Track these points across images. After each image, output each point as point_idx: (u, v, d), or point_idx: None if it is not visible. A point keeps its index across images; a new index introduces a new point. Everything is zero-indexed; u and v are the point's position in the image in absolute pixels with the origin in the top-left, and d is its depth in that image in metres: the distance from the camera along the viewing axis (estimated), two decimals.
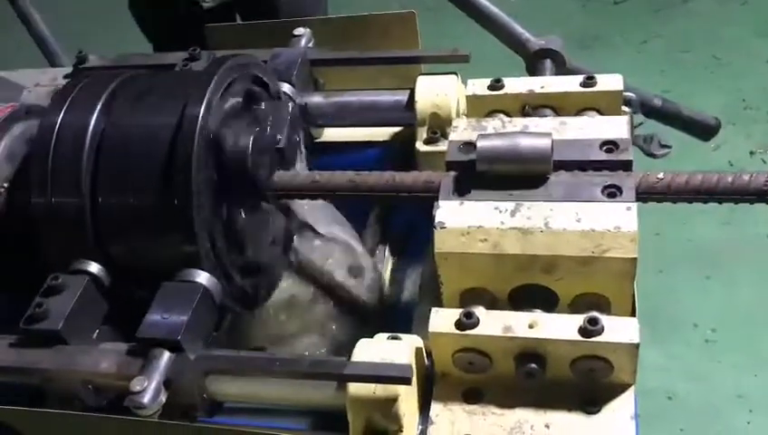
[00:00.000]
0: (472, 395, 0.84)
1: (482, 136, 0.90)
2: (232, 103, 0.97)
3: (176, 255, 0.89)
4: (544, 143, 0.87)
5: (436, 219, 0.87)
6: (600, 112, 1.07)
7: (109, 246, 0.92)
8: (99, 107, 0.95)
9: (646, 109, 1.29)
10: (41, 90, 1.34)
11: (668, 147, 1.81)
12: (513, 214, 0.85)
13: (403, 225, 1.28)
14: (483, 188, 0.88)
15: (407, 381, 0.77)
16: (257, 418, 0.94)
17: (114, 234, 0.92)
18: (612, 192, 0.85)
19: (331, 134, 1.27)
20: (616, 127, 0.93)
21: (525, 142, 0.87)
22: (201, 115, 0.89)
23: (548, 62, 1.21)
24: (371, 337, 0.90)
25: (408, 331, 0.97)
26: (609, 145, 0.90)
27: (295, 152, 1.04)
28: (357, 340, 1.18)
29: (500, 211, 0.86)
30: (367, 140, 1.28)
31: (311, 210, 1.08)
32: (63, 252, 0.92)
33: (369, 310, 1.20)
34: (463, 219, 0.86)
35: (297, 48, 1.19)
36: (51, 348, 0.84)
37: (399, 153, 1.25)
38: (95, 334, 0.89)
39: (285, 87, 1.11)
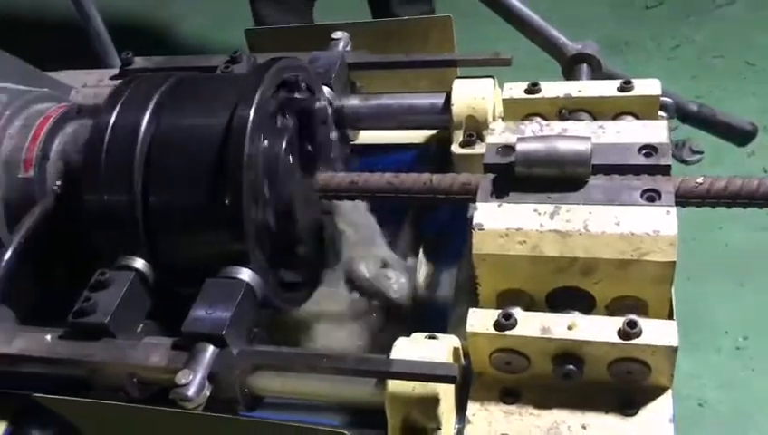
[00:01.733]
0: (509, 395, 0.85)
1: (521, 139, 0.90)
2: (277, 104, 0.99)
3: (223, 252, 0.91)
4: (584, 147, 0.88)
5: (475, 221, 0.88)
6: (637, 117, 1.08)
7: (157, 243, 0.95)
8: (150, 107, 0.97)
9: (681, 114, 1.29)
10: (88, 90, 1.37)
11: (700, 153, 1.80)
12: (551, 216, 0.86)
13: (436, 227, 1.29)
14: (521, 191, 0.89)
15: (453, 381, 0.78)
16: (293, 413, 0.96)
17: (163, 231, 0.94)
18: (651, 196, 0.86)
19: (366, 137, 1.29)
20: (655, 131, 0.93)
21: (565, 146, 0.88)
22: (251, 117, 0.91)
23: (584, 67, 1.22)
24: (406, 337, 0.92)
25: (441, 332, 0.98)
26: (648, 149, 0.91)
27: (337, 155, 1.06)
28: (389, 340, 1.21)
29: (539, 213, 0.87)
30: (401, 142, 1.30)
31: (349, 211, 1.10)
32: (113, 248, 0.95)
33: (403, 310, 1.21)
34: (501, 221, 0.87)
35: (336, 51, 1.21)
36: (99, 341, 0.87)
37: (434, 156, 1.27)
38: (139, 329, 0.91)
39: (324, 90, 1.13)
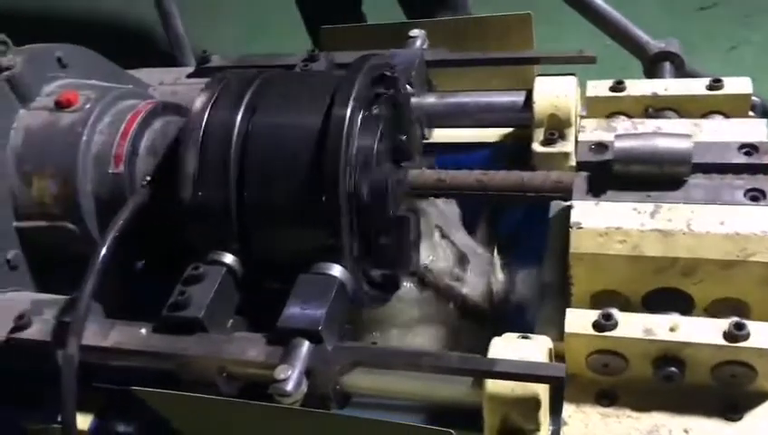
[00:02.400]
0: (605, 397, 0.84)
1: (619, 136, 0.89)
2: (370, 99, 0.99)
3: (317, 248, 0.91)
4: (685, 145, 0.86)
5: (572, 219, 0.86)
6: (726, 116, 1.05)
7: (249, 239, 0.95)
8: (244, 105, 0.97)
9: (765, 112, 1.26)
10: (165, 88, 1.38)
11: None
12: (652, 215, 0.84)
13: (511, 227, 1.28)
14: (618, 189, 0.88)
15: (560, 381, 0.77)
16: (381, 413, 0.96)
17: (257, 227, 0.95)
18: (755, 196, 0.84)
19: (438, 135, 1.28)
20: (754, 129, 0.91)
21: (664, 143, 0.86)
22: (348, 116, 0.91)
23: (667, 65, 1.20)
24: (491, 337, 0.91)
25: (523, 331, 0.97)
26: (748, 148, 0.89)
27: (419, 151, 1.06)
28: (467, 340, 1.20)
29: (639, 212, 0.85)
30: (476, 141, 1.28)
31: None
32: (206, 243, 0.95)
33: (480, 311, 1.20)
34: (600, 220, 0.85)
35: (414, 49, 1.20)
36: (194, 335, 0.87)
37: (509, 155, 1.25)
38: (229, 324, 0.92)
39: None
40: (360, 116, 0.94)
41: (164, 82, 1.41)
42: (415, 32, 1.24)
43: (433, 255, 1.16)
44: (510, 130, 1.25)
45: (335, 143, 0.89)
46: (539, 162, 1.14)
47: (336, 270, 0.89)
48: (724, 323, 0.78)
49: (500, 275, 1.24)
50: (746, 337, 0.77)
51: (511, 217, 1.29)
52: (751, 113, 1.14)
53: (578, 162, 0.93)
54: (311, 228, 0.91)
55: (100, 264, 0.93)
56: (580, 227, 0.85)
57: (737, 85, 1.05)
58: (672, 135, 0.88)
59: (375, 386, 0.88)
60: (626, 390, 0.83)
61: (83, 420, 0.99)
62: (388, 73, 1.02)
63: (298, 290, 0.87)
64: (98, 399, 1.01)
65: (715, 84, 1.05)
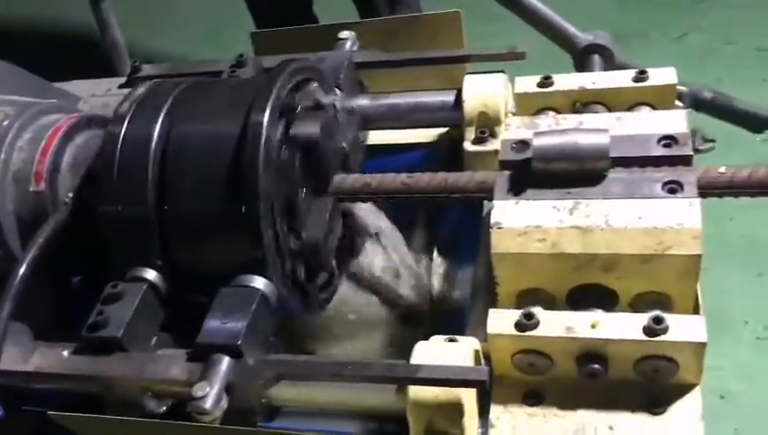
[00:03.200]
0: (532, 397, 0.83)
1: (538, 134, 0.88)
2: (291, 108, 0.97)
3: (240, 260, 0.89)
4: (603, 139, 0.85)
5: (492, 220, 0.86)
6: (653, 107, 1.05)
7: (171, 253, 0.93)
8: (162, 115, 0.96)
9: (695, 102, 1.26)
10: (96, 100, 1.36)
11: (712, 141, 1.77)
12: (571, 212, 0.84)
13: (450, 226, 1.27)
14: (539, 187, 0.87)
15: (483, 385, 0.76)
16: (314, 421, 0.95)
17: (178, 240, 0.93)
18: (673, 188, 0.84)
19: (374, 137, 1.27)
20: (674, 121, 0.91)
21: (583, 139, 0.86)
22: (266, 121, 0.89)
23: (596, 58, 1.19)
24: (424, 340, 0.90)
25: (460, 333, 0.96)
26: (668, 140, 0.88)
27: (358, 159, 1.05)
28: (407, 343, 1.19)
29: (558, 210, 0.85)
30: (411, 142, 1.28)
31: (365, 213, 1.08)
32: (128, 259, 0.93)
33: (419, 313, 1.19)
34: (519, 219, 0.85)
35: (343, 52, 1.19)
36: (112, 355, 0.85)
37: (444, 155, 1.25)
38: (153, 341, 0.90)
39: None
40: (282, 123, 0.93)
41: (95, 93, 1.39)
42: (344, 33, 1.22)
43: (372, 259, 1.15)
44: (445, 129, 1.24)
45: (252, 150, 0.88)
46: (471, 161, 1.13)
47: (258, 282, 0.87)
48: (644, 318, 0.78)
49: (438, 277, 1.24)
50: (665, 331, 0.77)
51: (450, 218, 1.28)
52: (679, 103, 1.15)
53: (500, 161, 0.92)
54: (232, 240, 0.89)
55: (17, 285, 0.91)
56: (500, 227, 0.85)
57: (662, 76, 1.05)
58: (590, 130, 0.87)
59: (302, 397, 0.87)
60: (553, 388, 0.83)
61: None
62: (310, 77, 1.01)
63: (218, 304, 0.85)
64: (27, 423, 0.99)
65: (641, 76, 1.05)
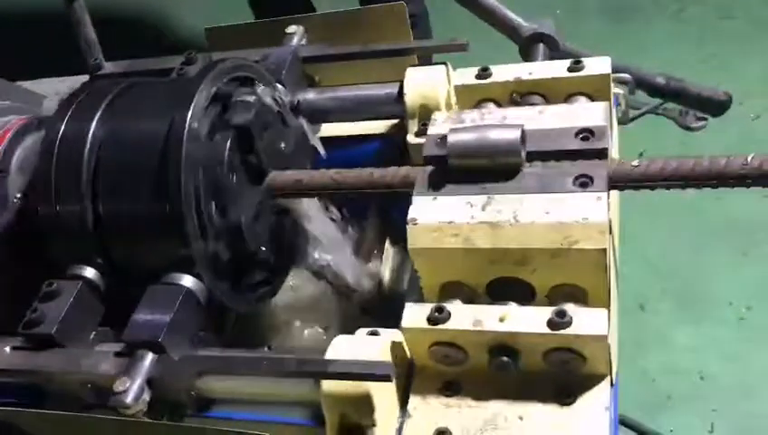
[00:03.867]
0: (449, 388, 0.85)
1: (453, 130, 0.90)
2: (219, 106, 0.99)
3: (171, 257, 0.92)
4: (513, 135, 0.86)
5: (409, 216, 0.88)
6: (591, 97, 1.06)
7: (109, 251, 0.97)
8: (98, 116, 0.99)
9: (649, 88, 1.26)
10: (60, 98, 1.39)
11: (705, 119, 1.76)
12: (483, 208, 0.85)
13: (404, 215, 1.29)
14: (456, 183, 0.89)
15: (388, 379, 0.79)
16: (250, 409, 0.98)
17: (114, 239, 0.96)
18: (584, 182, 0.84)
19: (330, 129, 1.29)
20: (592, 114, 0.92)
21: (494, 135, 0.87)
22: (189, 118, 0.92)
23: (541, 47, 1.19)
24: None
25: None
26: (585, 133, 0.89)
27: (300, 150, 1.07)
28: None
29: (471, 205, 0.86)
30: (365, 133, 1.29)
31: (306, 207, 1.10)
32: (67, 257, 0.97)
33: (370, 302, 1.22)
34: (435, 215, 0.86)
35: (288, 46, 1.21)
36: (47, 351, 0.89)
37: (399, 145, 1.26)
38: (92, 336, 0.93)
39: (278, 87, 1.13)
40: (210, 120, 0.95)
41: (59, 92, 1.42)
42: (291, 28, 1.24)
43: (323, 251, 1.18)
44: (397, 121, 1.25)
45: (175, 146, 0.90)
46: (414, 153, 1.14)
47: (185, 280, 0.90)
48: (549, 312, 0.80)
49: (389, 266, 1.26)
50: (568, 324, 0.79)
51: (403, 206, 1.29)
52: (619, 90, 1.15)
53: (423, 156, 0.93)
54: (161, 238, 0.92)
55: None
56: (416, 223, 0.86)
57: (597, 66, 1.05)
58: (502, 126, 0.88)
59: (230, 389, 0.90)
60: (468, 379, 0.85)
61: None
62: (247, 75, 1.03)
63: (146, 300, 0.89)
64: None
65: (575, 66, 1.05)
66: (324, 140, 1.28)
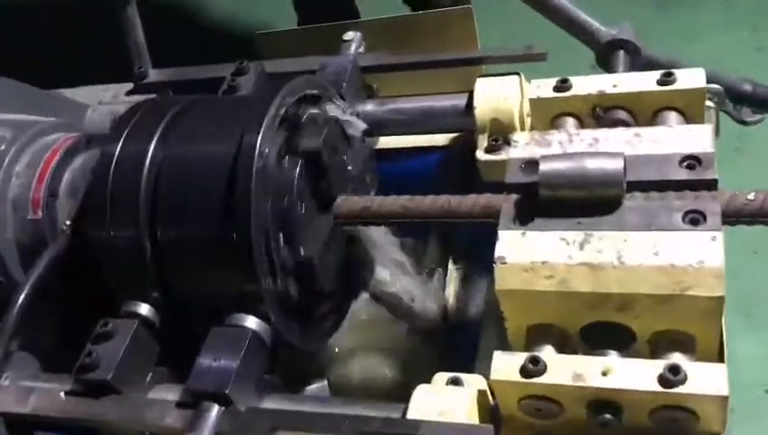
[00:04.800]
0: None
1: (544, 158, 0.81)
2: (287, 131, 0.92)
3: (236, 293, 0.86)
4: (615, 165, 0.78)
5: (496, 253, 0.79)
6: (681, 112, 0.97)
7: (167, 284, 0.90)
8: (157, 136, 0.92)
9: (734, 96, 1.16)
10: (103, 108, 1.33)
11: (761, 113, 1.65)
12: (581, 246, 0.77)
13: (468, 235, 1.21)
14: (547, 216, 0.80)
15: None
16: None
17: (172, 271, 0.90)
18: (695, 218, 0.76)
19: (388, 140, 1.21)
20: (698, 138, 0.83)
21: (594, 164, 0.79)
22: (259, 143, 0.85)
23: (621, 53, 1.10)
24: (435, 357, 0.84)
25: (474, 349, 0.91)
26: (691, 160, 0.80)
27: (366, 188, 1.00)
28: (421, 359, 1.15)
29: (567, 243, 0.78)
30: (428, 145, 1.21)
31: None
32: (123, 288, 0.91)
33: (433, 328, 1.15)
34: (525, 253, 0.78)
35: (346, 55, 1.13)
36: (105, 398, 0.83)
37: (462, 158, 1.18)
38: (148, 378, 0.87)
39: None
40: (278, 145, 0.88)
41: (102, 100, 1.36)
42: (349, 35, 1.16)
43: (385, 274, 1.10)
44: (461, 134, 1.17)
45: (244, 173, 0.83)
46: (485, 171, 1.07)
47: (250, 321, 0.83)
48: (659, 366, 0.72)
49: (453, 289, 1.19)
50: (682, 381, 0.70)
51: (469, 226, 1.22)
52: (710, 103, 1.06)
53: (506, 184, 0.85)
54: (225, 269, 0.85)
55: (14, 317, 0.89)
56: (504, 263, 0.78)
57: (690, 79, 0.95)
58: (602, 154, 0.80)
59: None
60: (563, 432, 0.78)
61: None
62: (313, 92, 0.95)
63: (209, 345, 0.82)
64: None
65: (666, 79, 0.96)
66: (383, 151, 1.20)
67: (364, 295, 1.10)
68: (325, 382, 1.05)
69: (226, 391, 0.77)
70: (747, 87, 1.16)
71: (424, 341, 1.14)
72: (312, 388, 1.04)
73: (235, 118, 0.92)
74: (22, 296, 0.91)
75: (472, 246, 1.19)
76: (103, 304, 1.03)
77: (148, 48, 1.31)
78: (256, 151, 0.85)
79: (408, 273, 1.10)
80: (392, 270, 1.10)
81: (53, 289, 0.98)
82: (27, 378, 0.94)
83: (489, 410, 0.81)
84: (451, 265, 1.20)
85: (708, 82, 1.10)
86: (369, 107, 1.13)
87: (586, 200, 0.79)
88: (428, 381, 0.85)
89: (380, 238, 1.04)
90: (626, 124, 0.98)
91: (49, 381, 0.92)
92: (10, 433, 0.94)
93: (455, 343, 1.13)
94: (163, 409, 0.81)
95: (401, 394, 0.81)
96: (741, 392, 1.87)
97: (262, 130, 0.86)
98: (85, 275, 0.98)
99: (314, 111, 0.94)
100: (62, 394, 0.86)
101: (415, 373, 1.08)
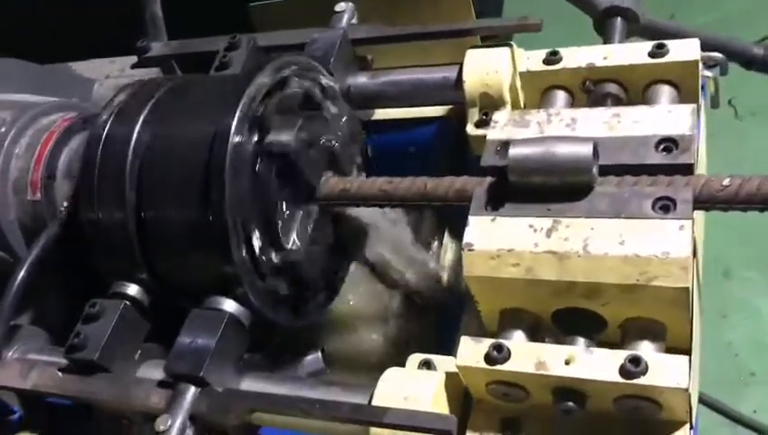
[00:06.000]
0: (509, 426, 0.79)
1: (515, 142, 0.80)
2: (280, 106, 0.92)
3: (213, 273, 0.88)
4: (585, 151, 0.76)
5: (464, 240, 0.79)
6: (675, 85, 0.93)
7: (152, 264, 0.93)
8: (142, 118, 0.94)
9: (744, 60, 1.11)
10: (110, 82, 1.36)
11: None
12: (548, 234, 0.76)
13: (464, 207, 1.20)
14: (518, 201, 0.80)
15: (448, 434, 0.73)
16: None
17: (157, 249, 0.92)
18: (665, 205, 0.74)
19: (383, 111, 1.20)
20: (677, 119, 0.80)
21: (563, 150, 0.77)
22: (234, 126, 0.86)
23: (618, 21, 1.06)
24: (430, 328, 0.84)
25: None
26: (668, 143, 0.78)
27: (350, 160, 0.99)
28: (416, 331, 1.16)
29: (534, 230, 0.77)
30: (424, 116, 1.20)
31: None
32: (112, 269, 0.94)
33: (428, 299, 1.15)
34: (493, 240, 0.78)
35: (337, 29, 1.11)
36: (95, 376, 0.87)
37: (456, 130, 1.16)
38: (137, 355, 0.91)
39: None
40: (255, 134, 0.88)
41: (110, 74, 1.38)
42: (341, 5, 1.14)
43: (380, 246, 1.11)
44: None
45: (219, 157, 0.84)
46: (475, 145, 1.05)
47: (227, 304, 0.85)
48: (621, 357, 0.71)
49: (449, 260, 1.19)
50: (643, 372, 0.70)
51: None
52: (708, 73, 1.01)
53: (481, 166, 0.84)
54: (204, 253, 0.87)
55: (12, 297, 0.93)
56: (471, 249, 0.78)
57: (683, 50, 0.92)
58: (572, 139, 0.78)
59: (279, 421, 0.86)
60: (530, 417, 0.79)
61: None
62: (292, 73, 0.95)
63: (187, 327, 0.85)
64: (40, 418, 1.04)
65: (658, 51, 0.92)
66: (377, 123, 1.19)
67: (359, 267, 1.12)
68: (319, 354, 1.07)
69: (201, 374, 0.80)
70: (757, 51, 1.10)
71: (419, 312, 1.15)
72: (307, 359, 1.07)
73: (215, 100, 0.92)
74: (20, 276, 0.95)
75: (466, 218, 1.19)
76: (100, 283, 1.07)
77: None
78: (231, 132, 0.85)
79: (402, 244, 1.11)
80: (387, 241, 1.10)
81: (57, 266, 1.02)
82: (33, 351, 0.99)
83: (462, 392, 0.82)
84: (447, 237, 1.19)
85: (716, 48, 1.06)
86: (361, 79, 1.12)
87: (556, 186, 0.78)
88: (422, 351, 0.87)
89: (374, 212, 1.05)
90: (616, 98, 0.95)
91: (52, 355, 0.96)
92: (22, 403, 1.01)
93: (449, 315, 1.14)
94: (147, 389, 0.84)
95: (395, 366, 0.82)
96: (765, 354, 1.83)
97: (237, 112, 0.86)
98: (81, 256, 1.01)
99: (293, 90, 0.94)
100: (58, 371, 0.90)
101: (409, 345, 1.10)
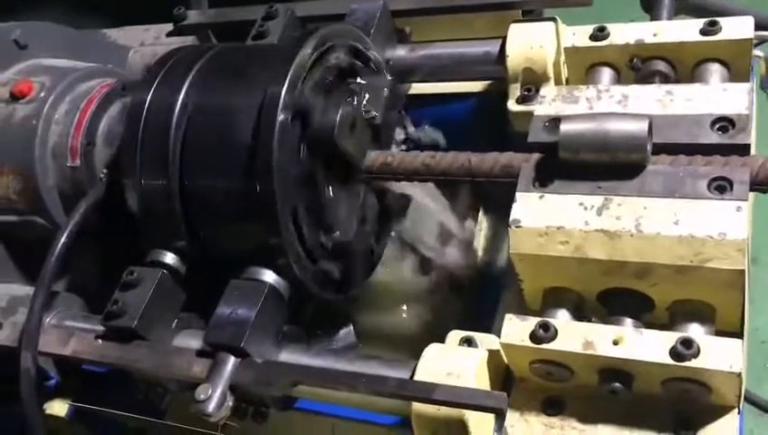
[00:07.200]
0: (552, 405, 0.78)
1: (566, 118, 0.78)
2: (323, 78, 0.91)
3: (257, 243, 0.87)
4: (640, 129, 0.74)
5: (512, 216, 0.78)
6: (725, 64, 0.91)
7: (194, 232, 0.92)
8: (186, 86, 0.92)
9: None
10: (146, 49, 1.33)
11: None
12: (599, 212, 0.75)
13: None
14: (568, 178, 0.78)
15: (501, 413, 0.72)
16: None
17: (201, 218, 0.91)
18: (721, 186, 0.72)
19: (421, 85, 1.18)
20: (734, 97, 0.78)
21: (617, 127, 0.75)
22: (283, 95, 0.84)
23: None
24: (462, 308, 0.82)
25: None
26: (723, 123, 0.76)
27: (391, 132, 0.98)
28: (447, 310, 1.15)
29: (585, 208, 0.76)
30: (463, 91, 1.18)
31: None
32: (151, 234, 0.93)
33: (462, 278, 1.14)
34: (541, 217, 0.77)
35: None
36: (133, 343, 0.87)
37: (495, 106, 1.14)
38: (174, 324, 0.90)
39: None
40: (298, 124, 0.87)
41: (145, 42, 1.36)
42: None
43: (416, 228, 1.10)
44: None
45: (268, 123, 0.83)
46: (516, 122, 1.03)
47: (268, 275, 0.85)
48: (672, 339, 0.70)
49: (483, 239, 1.18)
50: (695, 355, 0.69)
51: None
52: (760, 53, 0.99)
53: (528, 142, 0.83)
54: (249, 219, 0.86)
55: (50, 272, 0.92)
56: (519, 226, 0.77)
57: (736, 28, 0.90)
58: (626, 116, 0.76)
59: (318, 393, 0.86)
60: (574, 397, 0.78)
61: (61, 407, 1.04)
62: (328, 47, 0.93)
63: (227, 297, 0.84)
64: (74, 384, 1.05)
65: (710, 28, 0.90)
66: (417, 97, 1.18)
67: (393, 242, 1.11)
68: (351, 328, 1.06)
69: (241, 344, 0.80)
70: None
71: (451, 291, 1.14)
72: (340, 333, 1.06)
73: (263, 69, 0.91)
74: (60, 242, 0.94)
75: (503, 196, 1.17)
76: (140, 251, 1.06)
77: None
78: (281, 100, 0.84)
79: (439, 220, 1.09)
80: (425, 217, 1.09)
81: (94, 233, 1.01)
82: (70, 318, 0.99)
83: (503, 371, 0.81)
84: (481, 215, 1.18)
85: (764, 24, 1.03)
86: (400, 52, 1.10)
87: (608, 164, 0.76)
88: (453, 328, 0.86)
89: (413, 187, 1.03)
90: (664, 76, 0.94)
91: (87, 322, 0.96)
92: (58, 370, 1.01)
93: (481, 295, 1.13)
94: (189, 358, 0.84)
95: (426, 343, 0.82)
96: None
97: (286, 81, 0.85)
98: (125, 221, 1.01)
99: (337, 61, 0.92)
100: (97, 338, 0.90)
101: (440, 324, 1.09)
